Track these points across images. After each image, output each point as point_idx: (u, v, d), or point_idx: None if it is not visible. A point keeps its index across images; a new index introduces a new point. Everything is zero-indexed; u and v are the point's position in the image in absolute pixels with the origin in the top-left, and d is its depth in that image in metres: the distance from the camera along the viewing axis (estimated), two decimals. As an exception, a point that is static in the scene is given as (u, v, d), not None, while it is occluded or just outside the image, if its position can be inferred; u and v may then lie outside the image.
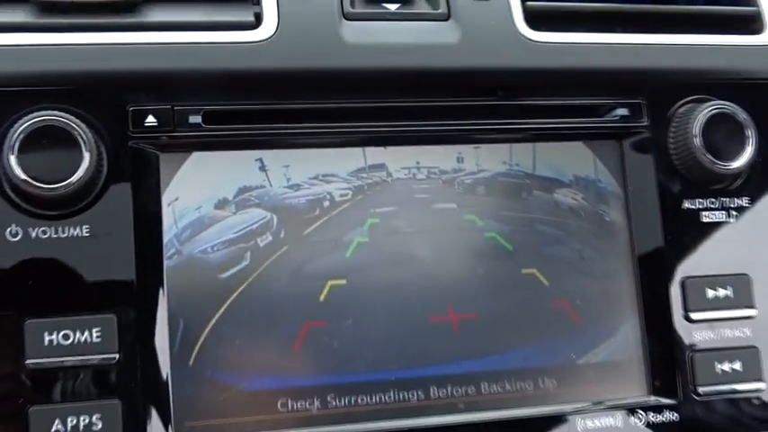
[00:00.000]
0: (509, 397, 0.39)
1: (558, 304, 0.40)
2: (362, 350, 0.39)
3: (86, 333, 0.36)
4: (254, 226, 0.39)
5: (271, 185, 0.39)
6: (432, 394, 0.39)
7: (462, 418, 0.39)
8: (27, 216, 0.35)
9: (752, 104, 0.40)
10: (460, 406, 0.39)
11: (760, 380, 0.39)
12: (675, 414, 0.39)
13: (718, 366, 0.39)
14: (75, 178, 0.35)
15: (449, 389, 0.39)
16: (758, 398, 0.39)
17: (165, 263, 0.36)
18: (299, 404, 0.39)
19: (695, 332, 0.40)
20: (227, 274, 0.37)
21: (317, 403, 0.38)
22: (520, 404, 0.39)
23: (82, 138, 0.35)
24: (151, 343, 0.35)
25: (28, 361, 0.34)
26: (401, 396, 0.39)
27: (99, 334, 0.36)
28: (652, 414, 0.39)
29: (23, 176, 0.34)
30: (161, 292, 0.36)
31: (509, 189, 0.40)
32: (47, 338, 0.35)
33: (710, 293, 0.40)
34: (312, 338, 0.38)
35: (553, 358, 0.40)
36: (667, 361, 0.39)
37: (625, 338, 0.40)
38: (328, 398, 0.38)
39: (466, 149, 0.40)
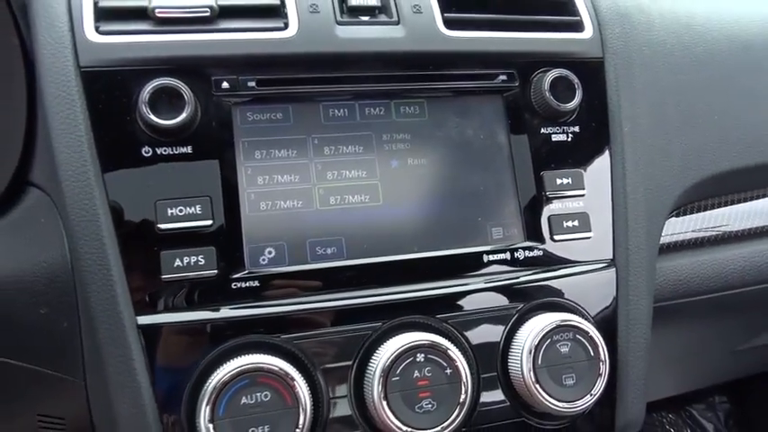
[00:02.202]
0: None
1: (473, 197, 0.63)
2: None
3: (192, 208, 0.57)
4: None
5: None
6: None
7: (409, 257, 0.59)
8: (154, 142, 0.55)
9: (578, 71, 0.65)
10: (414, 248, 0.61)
11: (588, 230, 0.64)
12: (542, 251, 0.63)
13: (565, 224, 0.64)
14: (180, 118, 0.55)
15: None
16: (587, 238, 0.64)
17: (238, 166, 0.58)
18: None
19: (551, 204, 0.64)
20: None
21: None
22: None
23: (185, 94, 0.56)
24: (232, 213, 0.57)
25: (159, 225, 0.54)
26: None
27: (200, 208, 0.58)
28: (528, 251, 0.63)
29: (152, 116, 0.56)
30: (238, 184, 0.57)
31: (433, 125, 0.62)
32: (169, 211, 0.56)
33: (558, 181, 0.64)
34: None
35: (473, 229, 0.62)
36: (536, 222, 0.63)
37: (512, 211, 0.64)
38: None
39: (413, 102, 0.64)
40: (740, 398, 1.54)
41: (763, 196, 0.77)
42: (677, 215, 0.72)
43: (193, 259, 0.55)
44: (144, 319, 0.53)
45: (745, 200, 0.76)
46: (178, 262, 0.54)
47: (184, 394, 0.53)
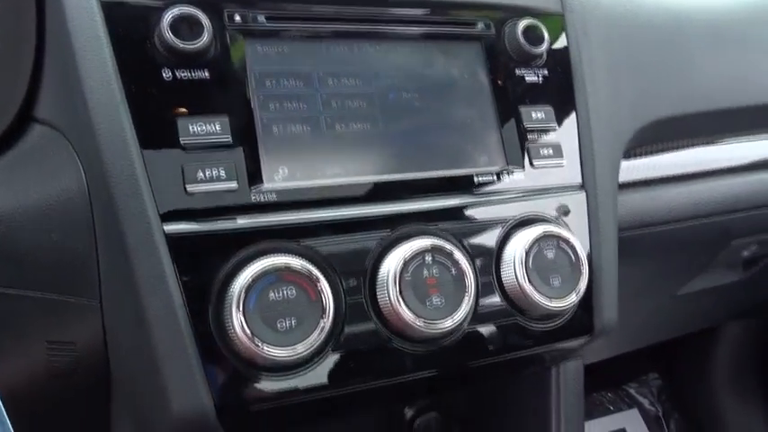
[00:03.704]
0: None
1: (461, 128, 0.69)
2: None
3: (212, 125, 0.59)
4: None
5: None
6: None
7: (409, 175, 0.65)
8: (173, 65, 0.58)
9: (544, 22, 0.74)
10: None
11: (561, 158, 0.72)
12: (524, 175, 0.69)
13: (542, 152, 0.71)
14: (200, 43, 0.58)
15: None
16: (561, 166, 0.71)
17: (250, 93, 0.61)
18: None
19: (528, 136, 0.71)
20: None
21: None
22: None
23: (204, 21, 0.59)
24: (248, 133, 0.60)
25: (181, 139, 0.57)
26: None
27: (219, 126, 0.60)
28: (513, 174, 0.68)
29: (173, 38, 0.59)
30: (252, 108, 0.60)
31: (423, 64, 0.69)
32: (190, 128, 0.58)
33: (534, 116, 0.71)
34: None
35: (463, 155, 0.68)
36: (517, 151, 0.70)
37: (496, 141, 0.71)
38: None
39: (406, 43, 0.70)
40: (670, 374, 1.67)
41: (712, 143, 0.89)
42: (633, 156, 0.82)
43: (215, 173, 0.58)
44: (171, 228, 0.56)
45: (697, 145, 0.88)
46: (201, 174, 0.57)
47: (212, 294, 0.55)
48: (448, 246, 0.61)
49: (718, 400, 1.54)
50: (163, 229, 0.55)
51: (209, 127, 0.58)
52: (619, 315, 0.73)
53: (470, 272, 0.61)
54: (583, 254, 0.66)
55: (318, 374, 0.57)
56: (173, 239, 0.55)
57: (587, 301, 0.68)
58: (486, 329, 0.64)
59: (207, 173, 0.57)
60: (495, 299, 0.64)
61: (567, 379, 0.75)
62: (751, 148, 0.93)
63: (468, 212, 0.65)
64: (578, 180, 0.72)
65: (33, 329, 0.62)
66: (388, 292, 0.58)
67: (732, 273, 1.06)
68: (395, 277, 0.58)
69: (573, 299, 0.64)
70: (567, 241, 0.65)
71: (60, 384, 0.63)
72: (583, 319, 0.69)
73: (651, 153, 0.85)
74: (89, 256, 0.59)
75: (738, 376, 1.54)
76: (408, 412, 0.84)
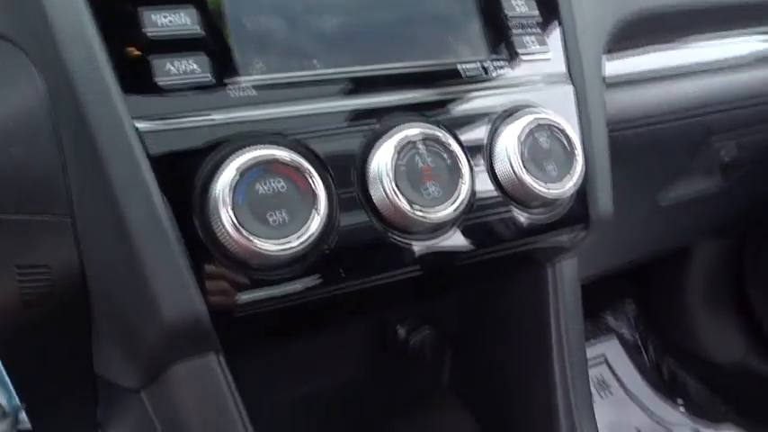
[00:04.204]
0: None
1: (443, 20, 0.65)
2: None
3: (178, 15, 0.52)
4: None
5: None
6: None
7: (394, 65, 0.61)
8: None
9: None
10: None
11: (546, 49, 0.68)
12: (510, 65, 0.66)
13: (525, 41, 0.67)
14: None
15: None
16: (547, 59, 0.68)
17: None
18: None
19: (512, 26, 0.66)
20: None
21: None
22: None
23: None
24: (219, 24, 0.54)
25: (146, 31, 0.51)
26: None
27: (186, 16, 0.53)
28: (499, 64, 0.65)
29: None
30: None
31: None
32: (157, 19, 0.51)
33: (516, 6, 0.70)
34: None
35: (446, 45, 0.64)
36: (500, 41, 0.66)
37: (478, 32, 0.66)
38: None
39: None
40: (644, 299, 1.69)
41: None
42: (612, 56, 0.80)
43: (187, 66, 0.53)
44: (145, 126, 0.51)
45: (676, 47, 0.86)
46: (171, 67, 0.52)
47: (197, 193, 0.51)
48: (441, 134, 0.58)
49: (693, 319, 1.57)
50: (136, 128, 0.51)
51: (176, 18, 0.53)
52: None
53: (465, 160, 0.58)
54: (576, 141, 0.64)
55: (315, 272, 0.54)
56: (148, 138, 0.51)
57: (582, 191, 0.66)
58: (482, 220, 0.61)
59: (178, 66, 0.53)
60: (491, 188, 0.62)
61: (563, 278, 0.73)
62: (729, 48, 0.92)
63: (457, 103, 0.62)
64: (564, 71, 0.69)
65: (0, 255, 0.57)
66: (382, 182, 0.55)
67: (711, 180, 1.06)
68: (388, 166, 0.55)
69: (569, 185, 0.62)
70: (560, 129, 0.63)
71: (36, 314, 0.59)
72: (578, 208, 0.67)
73: (630, 54, 0.83)
74: (56, 169, 0.54)
75: (711, 294, 1.57)
76: (401, 330, 0.81)
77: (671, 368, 1.62)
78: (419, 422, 0.85)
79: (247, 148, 0.52)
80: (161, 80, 0.52)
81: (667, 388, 1.59)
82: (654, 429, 1.48)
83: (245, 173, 0.50)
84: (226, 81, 0.54)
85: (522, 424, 0.81)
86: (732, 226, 1.44)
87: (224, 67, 0.54)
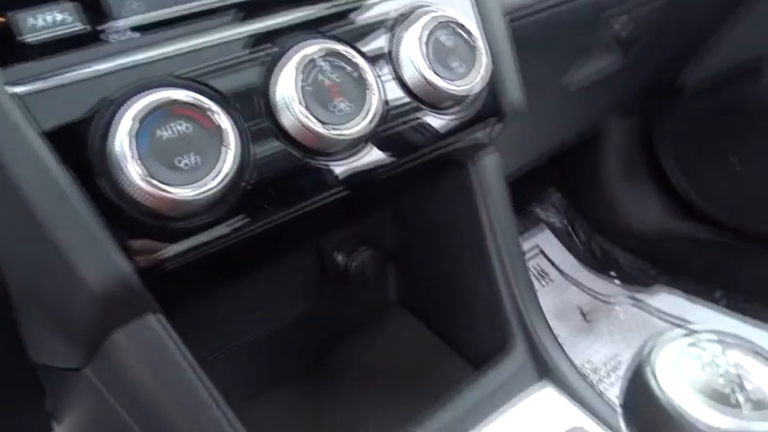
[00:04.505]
0: None
1: None
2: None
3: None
4: None
5: None
6: None
7: None
8: None
9: None
10: None
11: None
12: None
13: None
14: None
15: None
16: None
17: None
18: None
19: None
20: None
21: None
22: None
23: None
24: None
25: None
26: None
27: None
28: None
29: None
30: None
31: None
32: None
33: None
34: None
35: None
36: None
37: None
38: None
39: None
40: (566, 184, 1.76)
41: None
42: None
43: (53, 17, 0.49)
44: (22, 89, 0.47)
45: None
46: (35, 21, 0.48)
47: (95, 150, 0.48)
48: (341, 48, 0.56)
49: (614, 195, 1.65)
50: (14, 94, 0.46)
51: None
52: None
53: (370, 70, 0.57)
54: (477, 34, 0.63)
55: (239, 211, 0.52)
56: (30, 102, 0.47)
57: (491, 84, 0.66)
58: (398, 129, 0.60)
59: (43, 18, 0.48)
60: (401, 95, 0.61)
61: (486, 174, 0.74)
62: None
63: (352, 14, 0.60)
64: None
65: None
66: (290, 107, 0.53)
67: (612, 57, 1.08)
68: (293, 89, 0.53)
69: (477, 79, 0.62)
70: (459, 24, 0.62)
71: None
72: (490, 102, 0.67)
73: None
74: None
75: (627, 169, 1.64)
76: (340, 257, 0.81)
77: (601, 246, 1.70)
78: (374, 341, 0.86)
79: (141, 95, 0.48)
80: (28, 37, 0.47)
81: (600, 265, 1.67)
82: (594, 305, 1.57)
83: (144, 120, 0.47)
84: (102, 28, 0.50)
85: (472, 322, 0.83)
86: (638, 101, 1.50)
87: (96, 12, 0.50)
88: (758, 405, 0.33)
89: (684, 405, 0.33)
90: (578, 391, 0.70)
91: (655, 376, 0.34)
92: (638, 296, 1.56)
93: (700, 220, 1.57)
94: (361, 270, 0.80)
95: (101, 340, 0.53)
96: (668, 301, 1.53)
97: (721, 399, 0.33)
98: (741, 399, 0.33)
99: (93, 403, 0.59)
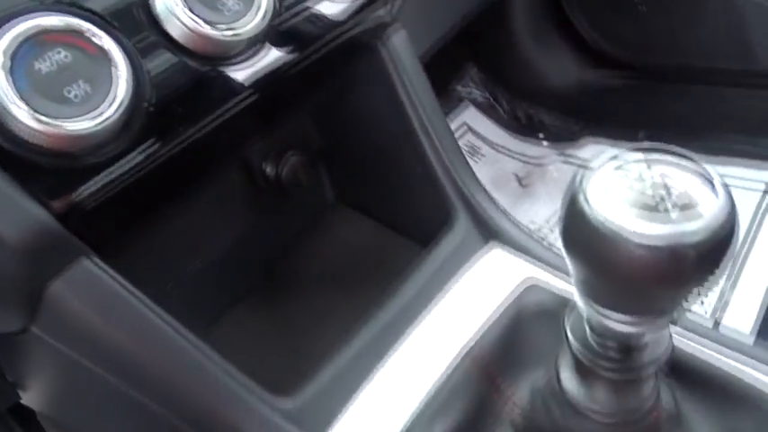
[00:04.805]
0: None
1: None
2: None
3: None
4: None
5: None
6: None
7: None
8: None
9: None
10: None
11: None
12: None
13: None
14: None
15: None
16: None
17: None
18: None
19: None
20: None
21: None
22: None
23: None
24: None
25: None
26: None
27: None
28: None
29: None
30: None
31: None
32: None
33: None
34: None
35: None
36: None
37: None
38: None
39: None
40: (483, 58, 1.75)
41: None
42: None
43: None
44: None
45: None
46: None
47: None
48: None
49: (529, 56, 1.65)
50: None
51: None
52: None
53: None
54: None
55: (148, 135, 0.50)
56: None
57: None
58: (293, 22, 0.57)
59: None
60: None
61: (398, 52, 0.72)
62: None
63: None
64: None
65: None
66: (174, 12, 0.49)
67: None
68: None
69: None
70: None
71: None
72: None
73: None
74: None
75: (538, 28, 1.63)
76: (269, 168, 0.79)
77: (525, 111, 1.71)
78: (322, 242, 0.86)
79: (6, 27, 0.44)
80: None
81: (527, 129, 1.70)
82: (527, 169, 1.60)
83: (15, 55, 0.43)
84: None
85: (413, 205, 0.83)
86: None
87: None
88: (685, 208, 0.34)
89: (618, 222, 0.34)
90: (525, 246, 0.72)
91: (587, 201, 0.35)
92: (567, 152, 1.60)
93: (612, 67, 1.60)
94: (292, 176, 0.79)
95: (39, 295, 0.50)
96: (595, 150, 1.57)
97: (651, 210, 0.34)
98: (669, 206, 0.34)
99: (50, 361, 0.57)
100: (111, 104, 0.45)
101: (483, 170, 1.60)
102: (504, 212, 0.79)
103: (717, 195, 0.34)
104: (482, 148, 1.67)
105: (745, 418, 0.52)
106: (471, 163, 0.87)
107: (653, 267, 0.32)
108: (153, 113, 0.49)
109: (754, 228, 1.27)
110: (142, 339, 0.52)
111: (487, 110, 1.75)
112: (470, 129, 1.70)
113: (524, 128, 1.71)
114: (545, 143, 1.67)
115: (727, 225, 0.33)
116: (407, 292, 0.68)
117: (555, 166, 1.58)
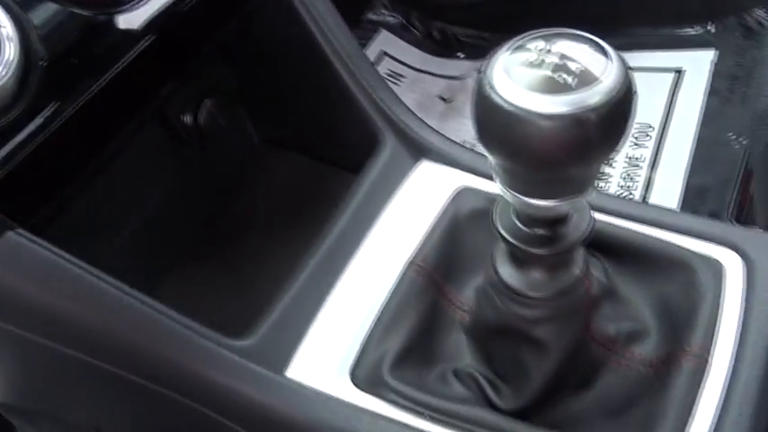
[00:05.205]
0: None
1: None
2: None
3: None
4: None
5: None
6: None
7: None
8: None
9: None
10: None
11: None
12: None
13: None
14: None
15: None
16: None
17: None
18: None
19: None
20: None
21: None
22: None
23: None
24: None
25: None
26: None
27: None
28: None
29: None
30: None
31: None
32: None
33: None
34: None
35: None
36: None
37: None
38: None
39: None
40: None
41: None
42: None
43: None
44: None
45: None
46: None
47: None
48: None
49: None
50: None
51: None
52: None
53: None
54: None
55: (50, 93, 0.47)
56: None
57: None
58: None
59: None
60: None
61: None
62: None
63: None
64: None
65: None
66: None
67: None
68: None
69: None
70: None
71: None
72: None
73: None
74: None
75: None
76: (186, 117, 0.77)
77: (440, 29, 1.70)
78: (256, 183, 0.85)
79: None
80: None
81: (444, 48, 1.69)
82: (449, 85, 1.61)
83: None
84: None
85: (341, 135, 0.83)
86: None
87: None
88: (584, 80, 0.35)
89: (521, 100, 0.34)
90: (456, 159, 0.73)
91: (492, 87, 0.36)
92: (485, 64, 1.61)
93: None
94: (210, 121, 0.77)
95: (-32, 276, 0.49)
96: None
97: (553, 86, 0.35)
98: (569, 79, 0.35)
99: (3, 340, 0.56)
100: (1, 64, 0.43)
101: (407, 94, 1.59)
102: (432, 129, 0.79)
103: (612, 62, 0.35)
104: (402, 71, 1.66)
105: (670, 281, 0.55)
106: (394, 88, 0.86)
107: (560, 137, 0.33)
108: (49, 69, 0.47)
109: (670, 107, 1.32)
110: (85, 304, 0.52)
111: (402, 33, 1.72)
112: (388, 54, 1.68)
113: (441, 46, 1.70)
114: (463, 58, 1.67)
115: (623, 88, 0.34)
116: (345, 218, 0.69)
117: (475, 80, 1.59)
